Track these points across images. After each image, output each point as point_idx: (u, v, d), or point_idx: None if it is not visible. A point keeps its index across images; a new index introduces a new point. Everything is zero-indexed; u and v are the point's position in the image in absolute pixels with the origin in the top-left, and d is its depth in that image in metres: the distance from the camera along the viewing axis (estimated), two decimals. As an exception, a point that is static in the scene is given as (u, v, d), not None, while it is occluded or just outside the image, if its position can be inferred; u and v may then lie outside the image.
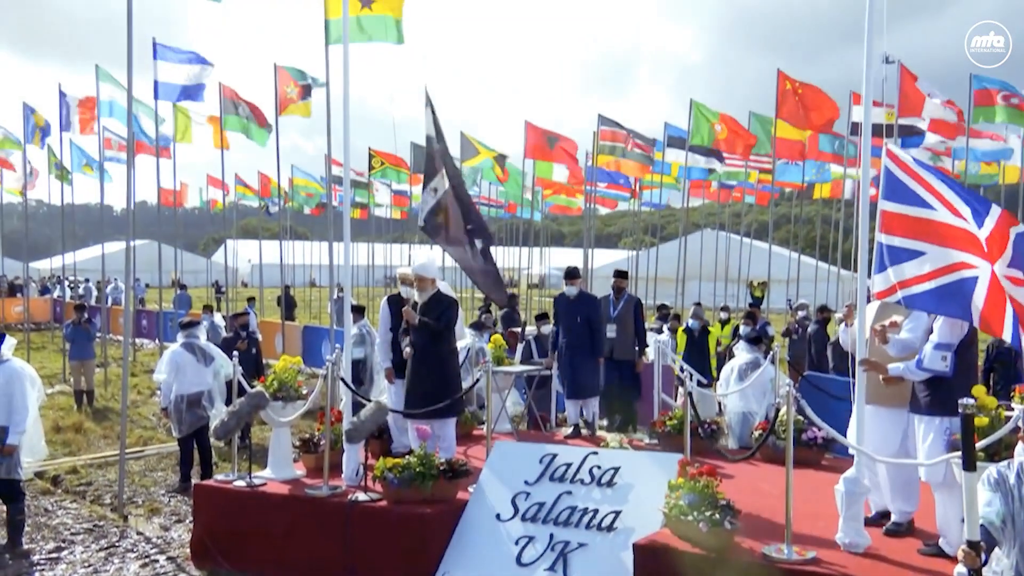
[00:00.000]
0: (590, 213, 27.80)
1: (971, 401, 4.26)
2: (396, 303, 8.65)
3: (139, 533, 8.60)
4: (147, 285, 37.08)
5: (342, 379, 7.76)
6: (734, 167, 22.62)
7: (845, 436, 6.32)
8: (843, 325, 6.85)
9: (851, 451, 6.29)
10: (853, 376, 6.27)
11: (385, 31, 11.25)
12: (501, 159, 25.11)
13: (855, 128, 17.96)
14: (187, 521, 8.67)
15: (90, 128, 20.61)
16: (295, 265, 36.56)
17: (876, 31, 6.05)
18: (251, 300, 21.35)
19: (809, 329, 13.68)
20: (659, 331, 13.40)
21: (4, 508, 8.26)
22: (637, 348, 10.41)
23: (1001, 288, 5.20)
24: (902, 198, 5.65)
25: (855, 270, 6.42)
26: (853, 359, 6.26)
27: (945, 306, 5.50)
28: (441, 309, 7.99)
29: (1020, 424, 4.61)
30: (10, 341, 8.18)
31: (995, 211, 5.38)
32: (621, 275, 11.06)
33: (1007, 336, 5.27)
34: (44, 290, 35.48)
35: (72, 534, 8.58)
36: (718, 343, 13.42)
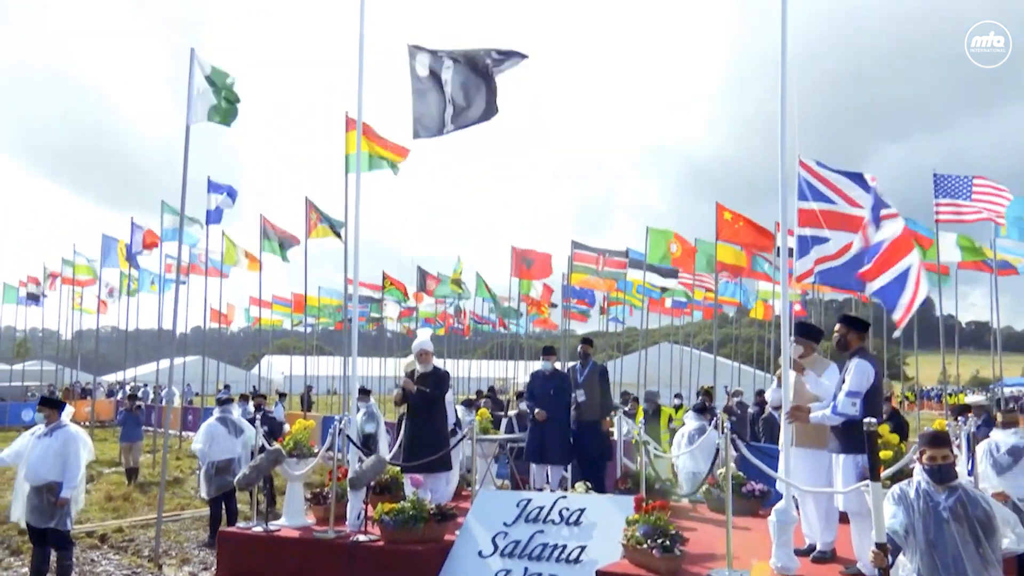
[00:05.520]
0: (567, 330, 27.75)
1: (874, 420, 4.22)
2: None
3: (170, 578, 8.23)
4: (197, 393, 36.65)
5: (348, 436, 7.59)
6: (685, 285, 22.73)
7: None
8: (773, 384, 6.72)
9: (778, 484, 6.14)
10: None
11: (389, 165, 11.71)
12: (457, 282, 26.03)
13: (778, 251, 18.17)
14: (213, 569, 8.28)
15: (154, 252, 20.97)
16: (319, 376, 36.37)
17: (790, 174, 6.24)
18: (282, 396, 21.10)
19: (750, 409, 13.49)
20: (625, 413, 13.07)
21: (55, 556, 7.89)
22: (602, 411, 9.47)
23: (883, 254, 5.59)
24: (811, 197, 5.98)
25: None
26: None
27: (843, 281, 5.90)
28: (436, 379, 7.94)
29: (915, 456, 4.52)
30: (69, 409, 7.98)
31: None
32: (587, 342, 9.91)
33: (876, 287, 5.68)
34: (110, 393, 35.10)
35: (112, 579, 8.20)
36: (670, 420, 13.18)
